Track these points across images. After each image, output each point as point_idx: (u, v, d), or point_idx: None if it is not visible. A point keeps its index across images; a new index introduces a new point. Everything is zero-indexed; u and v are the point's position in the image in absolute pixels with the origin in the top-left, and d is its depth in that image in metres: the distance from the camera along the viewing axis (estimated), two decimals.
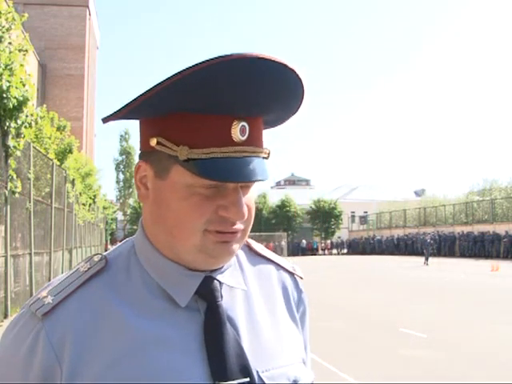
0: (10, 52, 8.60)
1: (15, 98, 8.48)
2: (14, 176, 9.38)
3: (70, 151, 18.66)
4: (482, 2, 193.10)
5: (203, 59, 0.71)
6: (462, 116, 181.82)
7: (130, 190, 53.51)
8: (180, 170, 0.76)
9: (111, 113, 0.79)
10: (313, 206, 55.18)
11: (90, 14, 40.59)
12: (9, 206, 9.38)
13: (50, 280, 14.10)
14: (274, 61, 0.72)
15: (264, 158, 0.81)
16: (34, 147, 11.85)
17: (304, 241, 52.14)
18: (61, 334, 0.76)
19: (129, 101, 0.76)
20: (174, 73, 0.71)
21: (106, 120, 0.82)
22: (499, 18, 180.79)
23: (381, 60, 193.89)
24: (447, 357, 6.50)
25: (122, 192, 53.71)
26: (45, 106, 12.89)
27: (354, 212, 62.61)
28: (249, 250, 0.95)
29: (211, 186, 0.76)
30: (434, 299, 12.24)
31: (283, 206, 53.21)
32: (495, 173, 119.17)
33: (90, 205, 26.01)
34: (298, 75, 0.76)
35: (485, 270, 22.53)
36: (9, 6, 8.85)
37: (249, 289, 0.88)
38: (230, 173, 0.74)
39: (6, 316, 9.27)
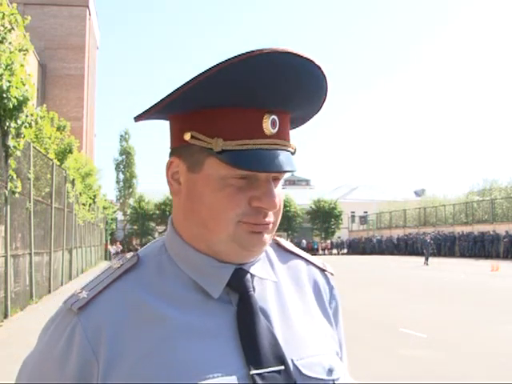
0: (11, 52, 8.60)
1: (15, 97, 8.48)
2: (14, 176, 9.38)
3: (70, 151, 18.67)
4: (482, 3, 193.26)
5: (238, 53, 0.73)
6: (462, 116, 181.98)
7: (130, 189, 53.39)
8: (214, 162, 0.78)
9: (146, 109, 0.81)
10: (313, 206, 55.18)
11: (90, 14, 40.61)
12: (9, 206, 9.38)
13: (50, 280, 14.11)
14: (302, 56, 0.75)
15: (292, 153, 0.83)
16: (34, 147, 11.85)
17: (304, 241, 52.13)
18: (96, 327, 0.77)
19: (165, 95, 0.78)
20: (209, 66, 0.74)
21: (139, 118, 0.84)
22: (499, 19, 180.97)
23: (381, 60, 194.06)
24: (447, 357, 6.49)
25: (122, 192, 53.54)
26: (45, 105, 12.90)
27: (353, 212, 62.62)
28: (277, 246, 0.96)
29: (243, 176, 0.78)
30: (434, 299, 12.23)
31: (283, 206, 52.92)
32: (495, 173, 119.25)
33: (90, 205, 26.01)
34: (323, 72, 0.79)
35: (485, 270, 22.53)
36: (12, 8, 8.85)
37: (279, 281, 0.89)
38: (262, 163, 0.77)
39: (6, 316, 9.26)
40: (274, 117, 0.79)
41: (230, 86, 0.75)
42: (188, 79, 0.75)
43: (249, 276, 0.84)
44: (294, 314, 0.86)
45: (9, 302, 9.41)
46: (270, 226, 0.82)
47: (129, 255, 0.87)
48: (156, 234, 49.11)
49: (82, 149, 31.27)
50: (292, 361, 0.80)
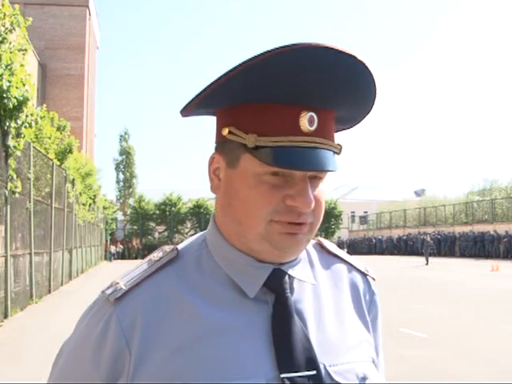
0: (11, 52, 8.60)
1: (15, 97, 8.48)
2: (14, 176, 9.38)
3: (70, 151, 18.68)
4: (483, 3, 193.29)
5: (272, 47, 0.71)
6: (462, 116, 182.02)
7: (130, 189, 53.35)
8: (249, 158, 0.77)
9: (186, 103, 0.81)
10: None
11: (90, 14, 40.62)
12: (9, 206, 9.38)
13: (50, 280, 14.11)
14: (342, 52, 0.72)
15: (335, 152, 0.81)
16: (34, 147, 11.86)
17: None
18: (131, 318, 0.77)
19: (203, 87, 0.77)
20: (243, 60, 0.72)
21: (184, 112, 0.83)
22: (499, 21, 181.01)
23: (380, 59, 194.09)
24: (447, 357, 6.49)
25: (122, 192, 53.49)
26: (45, 105, 12.88)
27: (354, 212, 62.64)
28: (320, 248, 0.95)
29: (278, 174, 0.77)
30: (434, 299, 12.23)
31: None
32: (495, 173, 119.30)
33: (90, 205, 26.02)
34: (367, 68, 0.76)
35: (485, 270, 22.53)
36: (15, 9, 8.86)
37: (318, 284, 0.88)
38: (297, 161, 0.74)
39: (6, 316, 9.27)
40: (311, 114, 0.76)
41: (265, 80, 0.74)
42: (226, 71, 0.74)
43: (287, 277, 0.83)
44: (331, 319, 0.85)
45: (9, 302, 9.41)
46: (307, 226, 0.80)
47: (168, 248, 0.86)
48: (156, 234, 49.05)
49: (81, 149, 31.29)
50: (324, 366, 0.78)
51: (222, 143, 0.82)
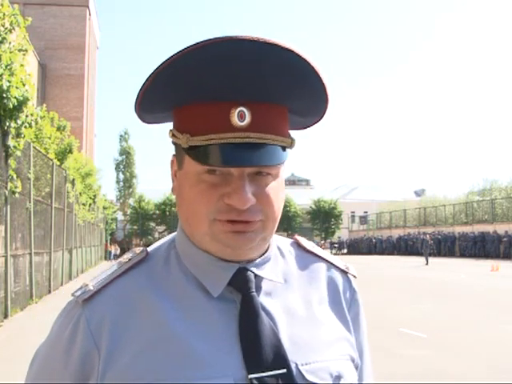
0: (11, 52, 8.60)
1: (15, 97, 8.48)
2: (14, 176, 9.38)
3: (70, 151, 18.68)
4: (484, 2, 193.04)
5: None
6: (462, 116, 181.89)
7: (130, 189, 53.42)
8: (188, 159, 0.78)
9: (135, 111, 0.83)
10: (313, 206, 55.15)
11: (90, 14, 40.61)
12: (9, 206, 9.38)
13: (50, 280, 14.11)
14: (264, 42, 0.69)
15: (282, 146, 0.78)
16: (34, 147, 11.85)
17: None
18: (99, 319, 0.78)
19: (136, 96, 0.79)
20: (162, 61, 0.73)
21: (144, 121, 0.87)
22: (500, 21, 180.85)
23: (381, 59, 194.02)
24: (447, 357, 6.49)
25: (122, 192, 53.57)
26: (45, 105, 12.86)
27: (354, 212, 62.63)
28: (298, 246, 0.94)
29: (215, 172, 0.76)
30: (434, 299, 12.22)
31: (283, 206, 52.88)
32: (495, 173, 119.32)
33: (90, 205, 26.01)
34: (300, 56, 0.72)
35: (485, 270, 22.52)
36: (14, 9, 8.85)
37: (291, 283, 0.87)
38: (228, 158, 0.73)
39: (6, 316, 9.26)
40: (241, 108, 0.74)
41: (187, 79, 0.73)
42: (145, 78, 0.75)
43: (252, 276, 0.82)
44: (303, 317, 0.84)
45: (9, 302, 9.40)
46: (256, 224, 0.78)
47: (138, 250, 0.87)
48: (156, 234, 49.07)
49: (81, 149, 31.29)
50: (296, 365, 0.77)
51: (175, 146, 0.84)
